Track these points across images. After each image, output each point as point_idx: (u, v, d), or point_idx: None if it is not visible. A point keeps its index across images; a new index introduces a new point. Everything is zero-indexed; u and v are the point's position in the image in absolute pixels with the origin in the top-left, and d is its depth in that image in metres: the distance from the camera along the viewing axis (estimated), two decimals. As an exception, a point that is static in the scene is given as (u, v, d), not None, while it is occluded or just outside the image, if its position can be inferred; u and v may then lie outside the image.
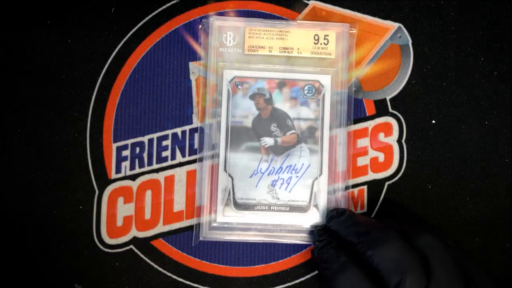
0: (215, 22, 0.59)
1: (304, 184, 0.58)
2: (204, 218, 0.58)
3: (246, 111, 0.59)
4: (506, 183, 0.60)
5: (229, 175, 0.58)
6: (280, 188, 0.58)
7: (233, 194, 0.58)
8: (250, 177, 0.58)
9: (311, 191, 0.58)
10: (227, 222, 0.58)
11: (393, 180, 0.60)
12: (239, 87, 0.59)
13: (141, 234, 0.59)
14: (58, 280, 0.59)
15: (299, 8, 0.61)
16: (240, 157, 0.58)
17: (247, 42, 0.59)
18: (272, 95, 0.59)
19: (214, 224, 0.58)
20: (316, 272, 0.59)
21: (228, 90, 0.58)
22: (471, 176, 0.60)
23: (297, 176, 0.58)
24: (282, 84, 0.59)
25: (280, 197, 0.58)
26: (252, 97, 0.59)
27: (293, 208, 0.58)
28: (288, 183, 0.58)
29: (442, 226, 0.60)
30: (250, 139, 0.58)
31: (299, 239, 0.58)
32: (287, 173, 0.58)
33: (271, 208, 0.58)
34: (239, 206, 0.58)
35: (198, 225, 0.58)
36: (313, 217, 0.58)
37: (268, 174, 0.58)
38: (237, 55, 0.59)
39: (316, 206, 0.58)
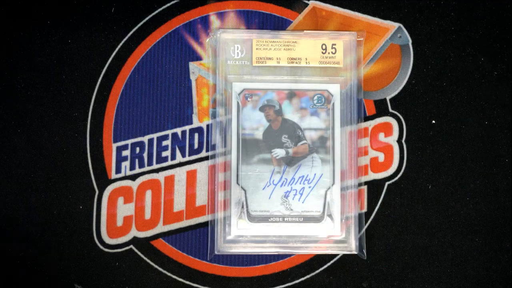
0: (222, 35, 0.59)
1: (317, 194, 0.58)
2: (218, 231, 0.58)
3: (257, 123, 0.59)
4: (506, 183, 0.60)
5: (242, 188, 0.58)
6: (293, 199, 0.58)
7: (247, 206, 0.58)
8: (263, 189, 0.58)
9: (325, 201, 0.58)
10: (242, 235, 0.58)
11: (393, 180, 0.60)
12: (249, 99, 0.59)
13: (141, 234, 0.59)
14: (58, 280, 0.59)
15: (299, 8, 0.61)
16: (252, 170, 0.58)
17: (255, 54, 0.59)
18: (282, 106, 0.59)
19: (229, 237, 0.58)
20: (316, 272, 0.59)
21: (238, 102, 0.58)
22: (471, 176, 0.60)
23: (309, 187, 0.58)
24: (291, 94, 0.59)
25: (294, 208, 0.58)
26: (262, 109, 0.59)
27: (307, 219, 0.58)
28: (301, 194, 0.58)
29: (442, 226, 0.60)
30: (262, 151, 0.58)
31: (314, 249, 0.58)
32: (300, 183, 0.58)
33: (285, 219, 0.58)
34: (253, 218, 0.58)
35: (213, 237, 0.58)
36: (327, 227, 0.58)
37: (281, 186, 0.58)
38: (245, 68, 0.59)
39: (330, 216, 0.58)
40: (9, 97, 0.60)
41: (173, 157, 0.60)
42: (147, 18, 0.61)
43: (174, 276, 0.59)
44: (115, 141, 0.60)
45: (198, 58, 0.61)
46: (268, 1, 0.61)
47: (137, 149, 0.60)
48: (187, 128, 0.60)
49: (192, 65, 0.61)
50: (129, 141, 0.60)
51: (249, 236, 0.58)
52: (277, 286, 0.59)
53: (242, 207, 0.58)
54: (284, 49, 0.59)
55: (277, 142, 0.59)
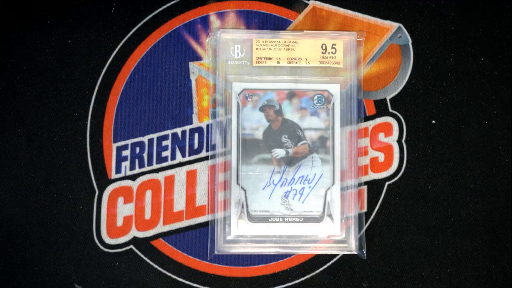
0: (222, 35, 0.59)
1: (317, 194, 0.58)
2: (218, 231, 0.58)
3: (257, 123, 0.59)
4: (506, 183, 0.60)
5: (242, 188, 0.58)
6: (293, 199, 0.58)
7: (247, 206, 0.58)
8: (263, 189, 0.58)
9: (325, 201, 0.58)
10: (242, 235, 0.58)
11: (393, 180, 0.60)
12: (249, 99, 0.59)
13: (141, 234, 0.59)
14: (58, 280, 0.59)
15: (299, 8, 0.61)
16: (252, 170, 0.58)
17: (255, 54, 0.59)
18: (282, 106, 0.59)
19: (229, 237, 0.58)
20: (316, 272, 0.59)
21: (238, 102, 0.58)
22: (471, 176, 0.60)
23: (309, 187, 0.58)
24: (291, 94, 0.59)
25: (294, 208, 0.58)
26: (262, 109, 0.59)
27: (307, 219, 0.58)
28: (301, 194, 0.58)
29: (442, 226, 0.60)
30: (262, 151, 0.58)
31: (315, 249, 0.58)
32: (300, 183, 0.58)
33: (285, 219, 0.58)
34: (253, 218, 0.58)
35: (213, 237, 0.58)
36: (327, 227, 0.58)
37: (281, 186, 0.58)
38: (245, 68, 0.59)
39: (330, 216, 0.58)
40: (9, 97, 0.60)
41: (173, 157, 0.60)
42: (147, 18, 0.61)
43: (174, 276, 0.59)
44: (115, 141, 0.60)
45: (198, 58, 0.61)
46: (268, 1, 0.61)
47: (137, 149, 0.60)
48: (187, 128, 0.60)
49: (192, 65, 0.61)
50: (129, 141, 0.60)
51: (249, 236, 0.58)
52: (277, 286, 0.59)
53: (242, 207, 0.58)
54: (284, 49, 0.59)
55: (277, 142, 0.59)
